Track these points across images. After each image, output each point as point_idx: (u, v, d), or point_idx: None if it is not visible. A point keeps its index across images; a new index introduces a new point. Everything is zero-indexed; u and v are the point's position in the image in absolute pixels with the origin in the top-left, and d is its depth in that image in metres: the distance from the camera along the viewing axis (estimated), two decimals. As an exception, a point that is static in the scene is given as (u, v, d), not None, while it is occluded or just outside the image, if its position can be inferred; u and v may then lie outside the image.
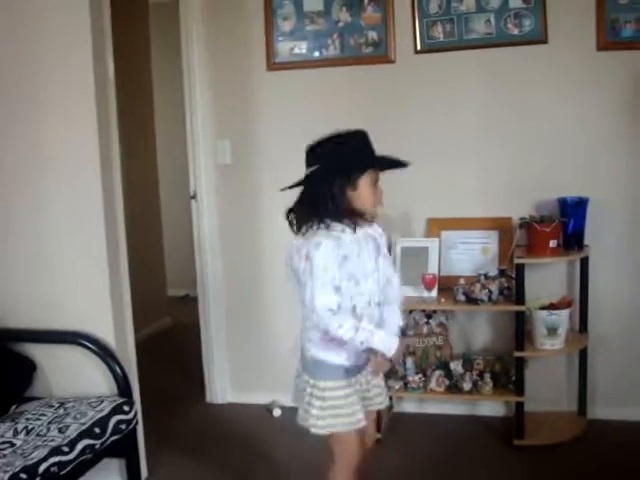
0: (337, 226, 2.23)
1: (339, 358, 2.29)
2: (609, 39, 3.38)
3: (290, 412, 3.68)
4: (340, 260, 2.20)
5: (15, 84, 3.01)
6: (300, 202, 2.28)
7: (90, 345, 3.02)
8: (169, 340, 5.41)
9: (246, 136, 3.87)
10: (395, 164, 2.30)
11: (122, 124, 3.19)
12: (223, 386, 4.17)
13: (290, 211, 2.31)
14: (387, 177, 3.56)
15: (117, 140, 3.12)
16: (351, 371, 2.33)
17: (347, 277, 2.22)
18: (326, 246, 2.18)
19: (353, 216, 2.25)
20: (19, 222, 3.10)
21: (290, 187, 2.29)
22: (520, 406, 3.37)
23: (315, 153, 2.26)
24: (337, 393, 2.29)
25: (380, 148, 3.62)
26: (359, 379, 2.37)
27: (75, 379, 3.09)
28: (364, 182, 2.24)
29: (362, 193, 2.24)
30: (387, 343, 2.25)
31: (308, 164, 2.27)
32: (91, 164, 2.97)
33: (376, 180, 2.27)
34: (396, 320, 2.40)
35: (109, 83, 3.07)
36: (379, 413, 2.61)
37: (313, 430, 2.30)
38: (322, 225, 2.22)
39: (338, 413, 2.28)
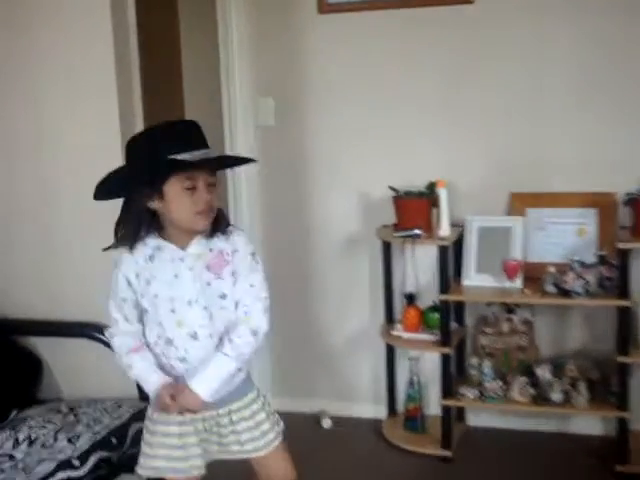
0: (152, 242, 2.07)
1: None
2: None
3: (343, 422, 3.54)
4: (142, 284, 2.08)
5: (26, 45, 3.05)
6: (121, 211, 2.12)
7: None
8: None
9: (293, 93, 3.72)
10: (216, 162, 2.09)
11: (144, 79, 3.13)
12: (264, 390, 3.93)
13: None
14: (459, 142, 3.51)
15: (140, 100, 3.09)
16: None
17: (154, 303, 2.08)
18: (120, 266, 2.10)
19: (174, 229, 2.06)
20: (25, 209, 3.18)
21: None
22: (623, 423, 3.22)
23: (126, 152, 2.06)
24: (170, 429, 2.13)
25: (453, 106, 3.55)
26: (213, 417, 2.16)
27: (87, 379, 3.11)
28: (173, 189, 1.98)
29: (172, 203, 1.99)
30: (147, 383, 2.09)
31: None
32: (112, 135, 2.97)
33: (194, 184, 1.99)
34: (213, 371, 2.10)
35: (130, 29, 3.05)
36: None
37: (137, 469, 2.19)
38: (132, 241, 2.07)
39: (169, 455, 2.13)
